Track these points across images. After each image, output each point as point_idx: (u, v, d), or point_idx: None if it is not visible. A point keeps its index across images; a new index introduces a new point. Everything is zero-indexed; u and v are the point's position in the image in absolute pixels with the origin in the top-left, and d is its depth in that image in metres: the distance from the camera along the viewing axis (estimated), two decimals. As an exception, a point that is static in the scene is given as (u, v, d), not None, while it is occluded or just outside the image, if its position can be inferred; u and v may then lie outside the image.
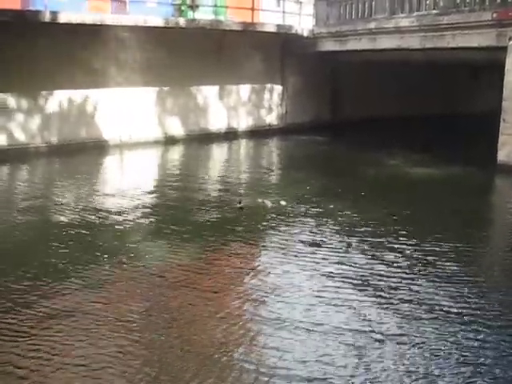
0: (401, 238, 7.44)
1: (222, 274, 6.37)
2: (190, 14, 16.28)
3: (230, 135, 16.68)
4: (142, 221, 8.27)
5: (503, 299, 5.68)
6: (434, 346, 4.67)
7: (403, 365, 4.40)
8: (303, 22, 17.95)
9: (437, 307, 5.40)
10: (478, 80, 22.21)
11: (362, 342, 4.71)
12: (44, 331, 4.85)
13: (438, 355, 4.54)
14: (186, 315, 5.22)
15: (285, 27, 17.23)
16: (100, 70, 14.22)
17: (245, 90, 17.12)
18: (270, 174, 12.52)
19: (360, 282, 6.00)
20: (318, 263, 6.52)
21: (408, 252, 6.97)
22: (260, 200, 9.28)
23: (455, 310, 5.32)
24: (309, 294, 5.71)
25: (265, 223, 8.20)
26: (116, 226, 7.92)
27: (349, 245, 7.17)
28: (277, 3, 21.13)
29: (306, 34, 17.23)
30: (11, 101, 13.07)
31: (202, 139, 15.92)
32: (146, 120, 15.17)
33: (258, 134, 17.11)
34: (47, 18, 12.65)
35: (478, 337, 4.84)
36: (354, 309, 5.34)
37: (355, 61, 17.80)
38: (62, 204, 9.16)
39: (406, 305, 5.44)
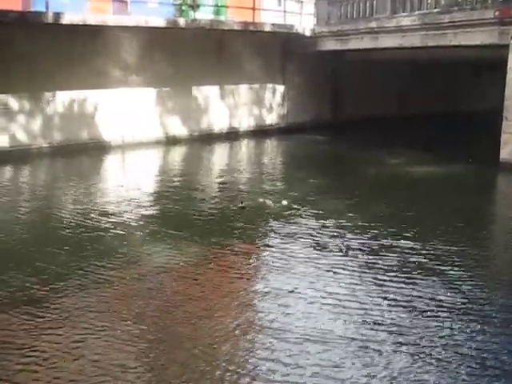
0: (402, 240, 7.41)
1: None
2: (191, 14, 16.28)
3: (231, 135, 16.67)
4: (145, 221, 8.27)
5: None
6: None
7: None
8: (304, 22, 17.94)
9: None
10: (480, 78, 22.18)
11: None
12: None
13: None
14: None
15: (286, 27, 17.22)
16: (101, 71, 14.22)
17: (246, 89, 17.11)
18: (272, 173, 12.50)
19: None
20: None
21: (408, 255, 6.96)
22: (261, 200, 9.28)
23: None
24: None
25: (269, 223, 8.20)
26: (118, 228, 7.92)
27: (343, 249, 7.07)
28: (278, 3, 21.12)
29: (307, 33, 17.21)
30: (13, 102, 13.06)
31: (203, 139, 15.92)
32: (147, 120, 15.17)
33: (260, 133, 17.11)
34: (50, 19, 12.66)
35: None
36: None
37: (356, 60, 17.79)
38: (65, 205, 9.18)
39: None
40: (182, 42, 15.24)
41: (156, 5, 16.25)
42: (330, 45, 17.07)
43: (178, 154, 15.10)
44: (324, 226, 7.93)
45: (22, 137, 13.29)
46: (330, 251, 6.94)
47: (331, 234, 7.61)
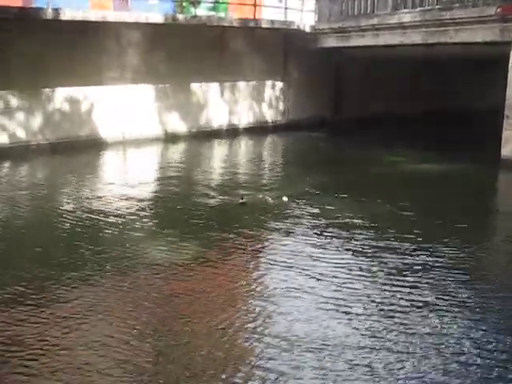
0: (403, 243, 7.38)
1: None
2: (192, 11, 16.26)
3: (231, 132, 16.65)
4: (145, 217, 8.25)
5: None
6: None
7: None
8: (305, 18, 17.90)
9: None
10: (481, 76, 22.12)
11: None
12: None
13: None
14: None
15: (286, 23, 17.18)
16: (101, 67, 14.19)
17: (247, 86, 17.07)
18: (272, 170, 12.48)
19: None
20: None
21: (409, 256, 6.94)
22: (261, 196, 9.27)
23: None
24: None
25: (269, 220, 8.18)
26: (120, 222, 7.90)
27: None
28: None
29: (307, 30, 17.18)
30: (12, 99, 13.04)
31: (203, 136, 15.89)
32: (147, 117, 15.15)
33: (260, 130, 17.08)
34: (50, 15, 12.64)
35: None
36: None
37: (358, 57, 17.75)
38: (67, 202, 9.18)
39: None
40: (183, 39, 15.20)
41: (156, 1, 16.26)
42: (331, 42, 17.03)
43: (177, 150, 15.06)
44: (323, 224, 7.91)
45: (21, 133, 13.27)
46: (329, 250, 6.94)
47: (331, 232, 7.59)
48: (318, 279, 5.93)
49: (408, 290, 5.67)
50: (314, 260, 6.48)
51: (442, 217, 8.31)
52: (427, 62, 18.80)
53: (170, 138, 15.49)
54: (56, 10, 12.68)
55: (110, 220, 8.02)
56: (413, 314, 5.16)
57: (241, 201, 8.94)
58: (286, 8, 18.13)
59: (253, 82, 17.14)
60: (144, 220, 8.09)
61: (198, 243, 7.02)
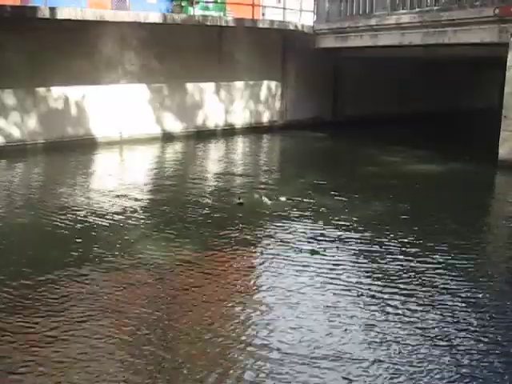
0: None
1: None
2: (190, 10, 16.23)
3: (229, 132, 16.63)
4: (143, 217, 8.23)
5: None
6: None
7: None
8: (304, 19, 17.90)
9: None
10: (479, 77, 22.16)
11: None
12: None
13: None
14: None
15: (285, 23, 17.16)
16: (98, 66, 14.16)
17: (244, 86, 17.06)
18: (269, 170, 12.45)
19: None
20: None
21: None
22: (257, 195, 9.25)
23: None
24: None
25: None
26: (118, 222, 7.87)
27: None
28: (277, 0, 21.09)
29: (306, 30, 17.17)
30: (7, 97, 12.99)
31: (200, 136, 15.88)
32: (144, 117, 15.12)
33: (258, 130, 17.07)
34: (46, 14, 12.59)
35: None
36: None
37: (356, 57, 17.76)
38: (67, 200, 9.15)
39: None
40: (180, 38, 15.19)
41: (155, 1, 16.22)
42: (330, 42, 17.03)
43: (173, 150, 15.00)
44: (323, 224, 7.90)
45: (16, 133, 13.23)
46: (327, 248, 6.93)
47: (330, 231, 7.58)
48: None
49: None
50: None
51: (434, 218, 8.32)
52: (426, 63, 18.82)
53: (167, 138, 15.46)
54: (52, 9, 12.63)
55: (104, 220, 7.98)
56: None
57: (238, 201, 8.93)
58: (284, 8, 18.09)
59: (251, 82, 17.12)
60: (139, 220, 8.05)
61: (194, 243, 6.99)
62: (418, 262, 6.44)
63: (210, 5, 17.67)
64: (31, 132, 13.42)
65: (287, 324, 4.89)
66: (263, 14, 21.18)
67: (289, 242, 7.09)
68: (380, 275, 6.05)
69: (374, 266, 6.34)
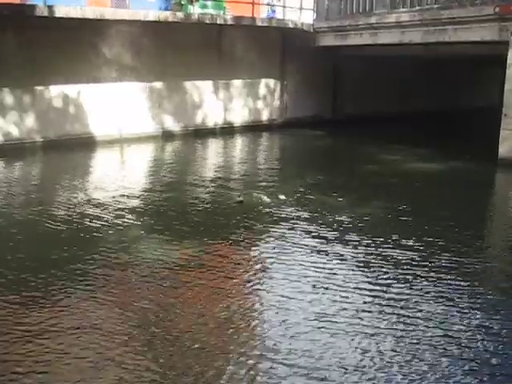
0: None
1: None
2: (190, 9, 16.21)
3: (229, 130, 16.60)
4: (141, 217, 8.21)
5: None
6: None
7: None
8: (304, 17, 17.87)
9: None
10: (479, 75, 22.13)
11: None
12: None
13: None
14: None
15: (284, 21, 17.13)
16: (97, 65, 14.11)
17: (244, 84, 17.01)
18: (269, 168, 12.41)
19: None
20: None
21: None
22: (256, 194, 9.23)
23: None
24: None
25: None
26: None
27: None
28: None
29: (305, 28, 17.15)
30: (6, 96, 12.95)
31: (199, 134, 15.83)
32: (143, 115, 15.08)
33: (257, 128, 17.02)
34: (45, 12, 12.55)
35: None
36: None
37: (356, 55, 17.72)
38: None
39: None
40: (180, 37, 15.15)
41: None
42: (329, 40, 16.99)
43: (172, 148, 14.97)
44: (323, 222, 7.88)
45: (15, 131, 13.19)
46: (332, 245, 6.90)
47: (330, 230, 7.55)
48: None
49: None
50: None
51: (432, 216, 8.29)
52: (427, 61, 18.79)
53: (166, 136, 15.42)
54: (51, 7, 12.60)
55: (103, 220, 7.96)
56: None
57: (238, 199, 8.92)
58: (284, 6, 18.06)
59: (250, 80, 17.08)
60: (138, 219, 8.03)
61: (194, 243, 6.96)
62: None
63: (210, 3, 17.68)
64: (30, 130, 13.38)
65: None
66: (274, 11, 21.07)
67: (286, 238, 7.13)
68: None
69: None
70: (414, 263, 6.32)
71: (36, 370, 4.13)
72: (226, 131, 16.51)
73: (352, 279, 5.86)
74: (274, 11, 21.22)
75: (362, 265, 6.32)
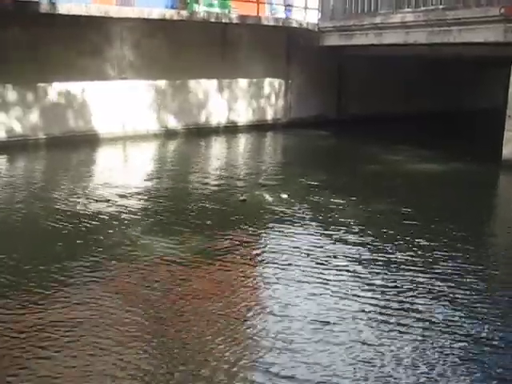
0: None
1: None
2: (195, 7, 16.20)
3: (232, 129, 16.58)
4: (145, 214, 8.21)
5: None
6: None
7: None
8: (308, 16, 17.85)
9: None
10: (485, 76, 22.07)
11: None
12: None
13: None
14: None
15: (289, 21, 17.11)
16: (100, 62, 14.13)
17: (248, 83, 17.00)
18: (272, 167, 12.40)
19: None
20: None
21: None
22: (258, 192, 9.24)
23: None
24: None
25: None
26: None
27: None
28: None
29: (310, 27, 17.11)
30: (9, 93, 12.98)
31: (202, 133, 15.82)
32: (146, 113, 15.09)
33: (261, 128, 16.99)
34: (47, 9, 12.56)
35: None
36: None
37: (361, 55, 17.69)
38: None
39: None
40: (184, 35, 15.15)
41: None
42: (334, 40, 16.96)
43: (175, 147, 14.98)
44: (323, 222, 7.86)
45: (18, 128, 13.21)
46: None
47: (330, 229, 7.54)
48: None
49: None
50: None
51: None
52: (432, 62, 18.74)
53: (170, 135, 15.42)
54: (54, 4, 12.61)
55: (104, 218, 7.97)
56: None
57: (241, 198, 8.94)
58: (289, 5, 18.03)
59: (254, 79, 17.07)
60: (142, 217, 8.05)
61: (199, 240, 6.97)
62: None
63: (215, 1, 17.65)
64: (33, 127, 13.41)
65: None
66: (290, 10, 20.94)
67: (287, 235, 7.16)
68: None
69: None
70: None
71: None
72: (230, 130, 16.50)
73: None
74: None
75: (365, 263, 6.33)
